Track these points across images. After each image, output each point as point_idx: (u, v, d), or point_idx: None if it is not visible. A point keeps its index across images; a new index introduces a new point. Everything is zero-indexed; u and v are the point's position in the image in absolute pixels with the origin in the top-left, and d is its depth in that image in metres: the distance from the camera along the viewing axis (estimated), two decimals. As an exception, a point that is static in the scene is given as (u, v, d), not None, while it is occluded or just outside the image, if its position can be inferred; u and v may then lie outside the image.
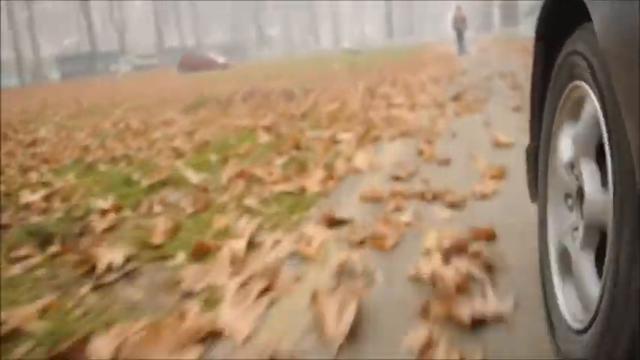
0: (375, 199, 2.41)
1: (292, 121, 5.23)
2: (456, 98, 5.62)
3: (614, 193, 0.88)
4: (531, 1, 33.00)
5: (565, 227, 1.20)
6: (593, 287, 1.00)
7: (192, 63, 33.08)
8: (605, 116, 0.92)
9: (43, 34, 74.16)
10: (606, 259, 0.91)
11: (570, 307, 1.13)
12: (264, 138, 4.29)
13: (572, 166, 1.17)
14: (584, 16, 0.98)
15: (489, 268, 1.59)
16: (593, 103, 1.00)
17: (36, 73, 58.62)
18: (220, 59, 33.65)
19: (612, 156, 0.89)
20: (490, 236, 1.82)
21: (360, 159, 3.00)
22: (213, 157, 3.80)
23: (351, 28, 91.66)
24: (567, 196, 1.21)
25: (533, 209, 1.44)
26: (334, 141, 3.78)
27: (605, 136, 0.93)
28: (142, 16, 75.88)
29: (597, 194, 1.02)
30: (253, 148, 3.94)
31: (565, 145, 1.20)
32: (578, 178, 1.10)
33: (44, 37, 75.76)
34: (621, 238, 0.84)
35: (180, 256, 1.94)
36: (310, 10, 79.60)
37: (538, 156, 1.37)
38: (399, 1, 69.15)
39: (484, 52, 19.29)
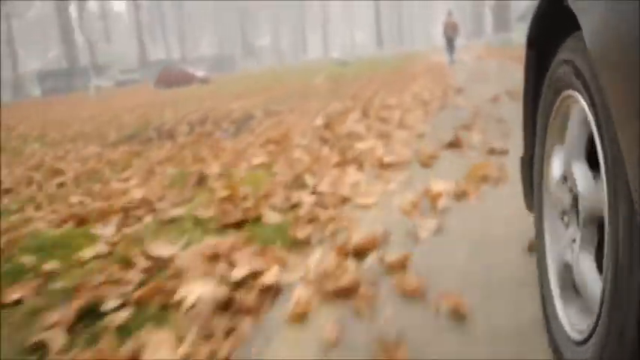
0: None
1: (184, 192, 3.18)
2: (454, 144, 3.53)
3: (610, 208, 0.85)
4: (525, 1, 31.54)
5: (563, 238, 1.15)
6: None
7: (170, 78, 31.08)
8: (599, 127, 0.89)
9: (27, 48, 72.01)
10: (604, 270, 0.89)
11: (571, 319, 1.07)
12: (94, 249, 2.28)
13: (565, 178, 1.12)
14: (575, 25, 0.94)
15: None
16: (585, 114, 0.97)
17: (17, 89, 56.33)
18: (199, 73, 31.68)
19: (607, 169, 0.86)
20: None
21: None
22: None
23: (342, 36, 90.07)
24: (563, 208, 1.15)
25: None
26: (177, 305, 1.64)
27: (599, 147, 0.89)
28: (128, 28, 74.03)
29: (594, 208, 0.98)
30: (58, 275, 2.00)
31: (559, 156, 1.17)
32: (573, 189, 1.06)
33: (28, 51, 73.57)
34: (617, 244, 0.81)
35: None
36: (300, 20, 78.00)
37: (533, 166, 1.33)
38: (388, 3, 67.55)
39: (479, 60, 17.51)
